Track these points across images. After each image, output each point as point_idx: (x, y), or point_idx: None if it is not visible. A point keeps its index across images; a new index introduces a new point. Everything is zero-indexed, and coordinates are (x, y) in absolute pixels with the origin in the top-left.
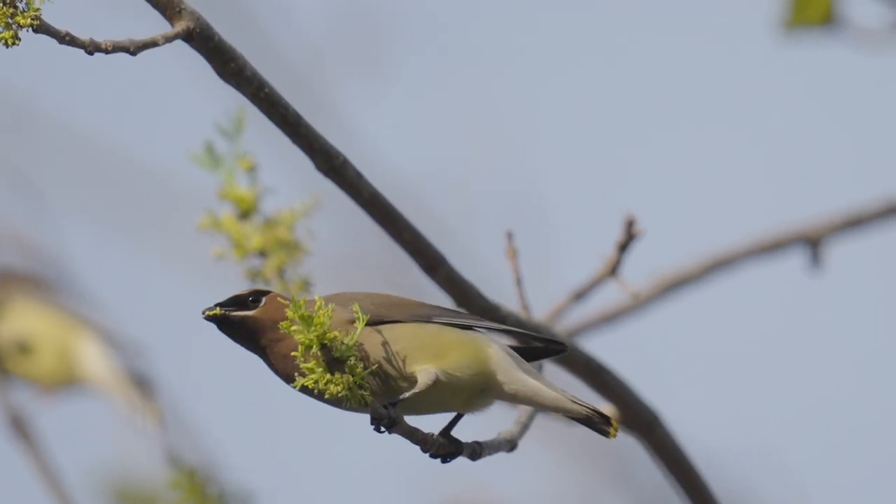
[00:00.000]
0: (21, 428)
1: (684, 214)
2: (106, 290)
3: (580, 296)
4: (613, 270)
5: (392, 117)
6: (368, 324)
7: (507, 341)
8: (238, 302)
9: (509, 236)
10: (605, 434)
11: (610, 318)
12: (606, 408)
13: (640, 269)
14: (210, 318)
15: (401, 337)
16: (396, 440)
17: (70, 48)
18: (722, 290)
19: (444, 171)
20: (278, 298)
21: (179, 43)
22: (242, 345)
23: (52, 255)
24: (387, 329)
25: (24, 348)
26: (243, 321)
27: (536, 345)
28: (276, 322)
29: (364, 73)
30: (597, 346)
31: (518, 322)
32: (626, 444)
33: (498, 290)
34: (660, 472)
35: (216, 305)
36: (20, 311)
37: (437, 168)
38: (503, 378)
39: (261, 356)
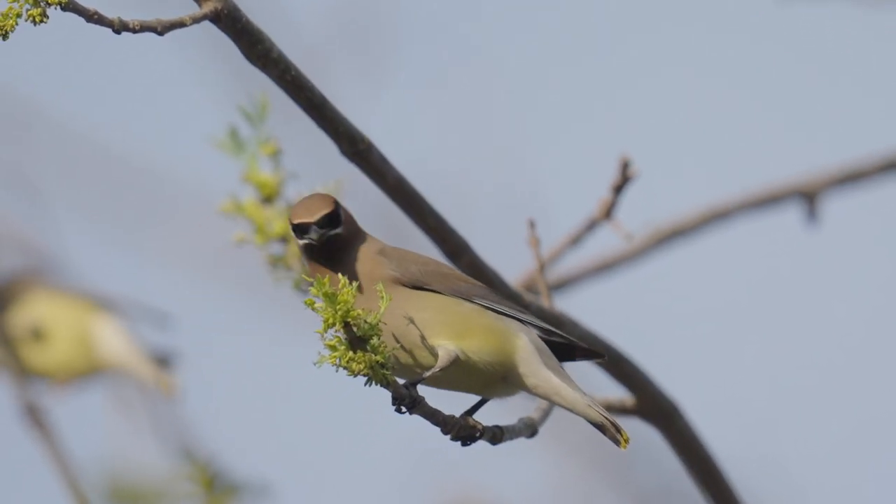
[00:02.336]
0: (36, 418)
1: (682, 167)
2: (106, 289)
3: (576, 240)
4: (608, 213)
5: (391, 116)
6: (407, 286)
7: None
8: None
9: (531, 224)
10: (617, 443)
11: (605, 267)
12: (627, 399)
13: (637, 221)
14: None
15: (430, 307)
16: (396, 442)
17: (98, 27)
18: (717, 242)
19: (444, 170)
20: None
21: (183, 34)
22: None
23: (52, 254)
24: (421, 296)
25: (39, 337)
26: (336, 238)
27: (578, 344)
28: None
29: (363, 74)
30: (592, 295)
31: (541, 311)
32: (630, 440)
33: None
34: (665, 470)
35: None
36: (36, 300)
37: (437, 168)
38: (525, 371)
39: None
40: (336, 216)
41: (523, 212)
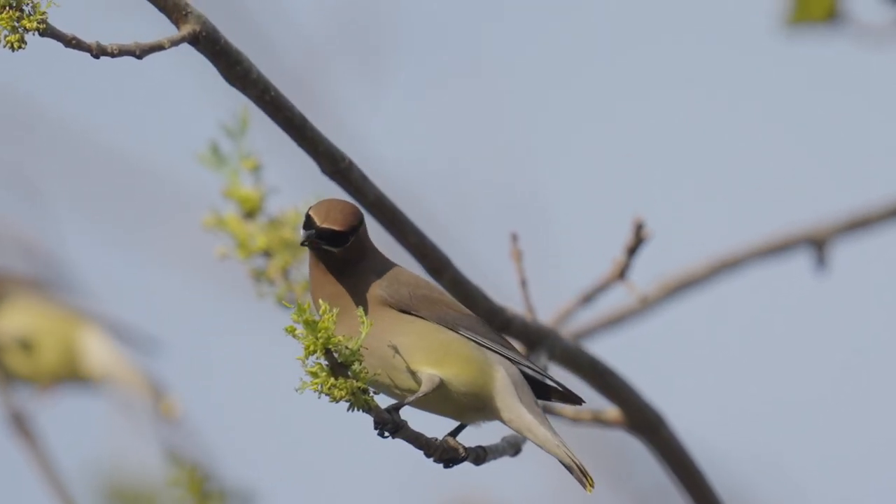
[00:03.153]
0: (22, 425)
1: (689, 216)
2: (106, 290)
3: (588, 299)
4: (622, 274)
5: (392, 118)
6: (394, 309)
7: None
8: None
9: (514, 238)
10: (583, 486)
11: (616, 321)
12: (611, 411)
13: (646, 270)
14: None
15: (412, 332)
16: (395, 443)
17: (76, 51)
18: (728, 291)
19: (445, 172)
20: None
21: (185, 46)
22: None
23: (53, 255)
24: (405, 321)
25: (25, 345)
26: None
27: (561, 388)
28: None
29: (364, 74)
30: (603, 349)
31: (524, 325)
32: (625, 444)
33: (499, 291)
34: (662, 473)
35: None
36: (20, 308)
37: (437, 169)
38: (500, 404)
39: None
40: (343, 238)
41: (522, 213)
